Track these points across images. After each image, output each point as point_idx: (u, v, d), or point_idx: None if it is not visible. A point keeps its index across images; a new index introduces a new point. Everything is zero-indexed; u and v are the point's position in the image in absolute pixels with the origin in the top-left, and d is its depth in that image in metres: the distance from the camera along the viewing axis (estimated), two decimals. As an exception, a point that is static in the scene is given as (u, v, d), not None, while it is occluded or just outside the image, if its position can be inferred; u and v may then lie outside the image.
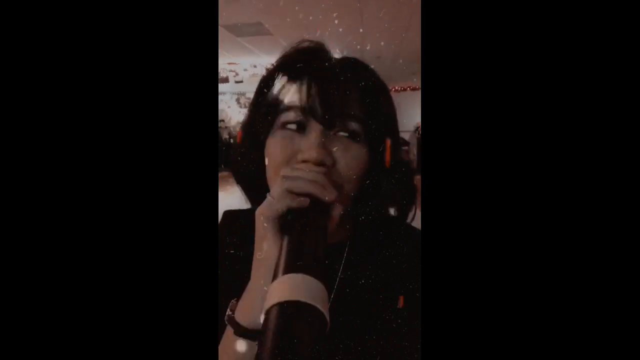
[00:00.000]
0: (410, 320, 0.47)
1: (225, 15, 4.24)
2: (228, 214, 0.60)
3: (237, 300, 0.43)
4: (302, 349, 0.24)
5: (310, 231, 0.35)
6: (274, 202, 0.38)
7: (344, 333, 0.44)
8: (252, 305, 0.40)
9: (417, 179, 0.51)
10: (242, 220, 0.56)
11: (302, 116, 0.44)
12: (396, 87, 8.97)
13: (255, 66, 7.58)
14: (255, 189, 0.50)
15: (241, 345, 0.39)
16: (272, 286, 0.29)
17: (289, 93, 0.46)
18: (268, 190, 0.41)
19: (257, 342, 0.36)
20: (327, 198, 0.38)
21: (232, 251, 0.52)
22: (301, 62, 0.47)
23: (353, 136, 0.45)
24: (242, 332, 0.40)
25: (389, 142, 0.47)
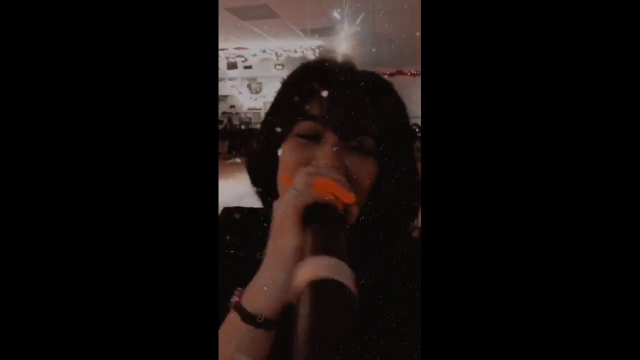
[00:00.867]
0: (410, 320, 0.47)
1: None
2: (227, 210, 0.61)
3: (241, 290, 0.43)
4: (338, 325, 0.26)
5: (333, 224, 0.37)
6: (298, 194, 0.39)
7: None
8: (263, 292, 0.40)
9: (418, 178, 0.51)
10: (242, 220, 0.56)
11: (320, 126, 0.47)
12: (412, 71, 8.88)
13: (264, 51, 7.44)
14: (264, 183, 0.52)
15: (245, 331, 0.39)
16: (303, 266, 0.30)
17: (309, 102, 0.48)
18: (276, 189, 0.41)
19: (260, 329, 0.38)
20: (346, 200, 0.40)
21: (232, 251, 0.52)
22: (324, 71, 0.50)
23: (366, 150, 0.47)
24: (249, 318, 0.40)
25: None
